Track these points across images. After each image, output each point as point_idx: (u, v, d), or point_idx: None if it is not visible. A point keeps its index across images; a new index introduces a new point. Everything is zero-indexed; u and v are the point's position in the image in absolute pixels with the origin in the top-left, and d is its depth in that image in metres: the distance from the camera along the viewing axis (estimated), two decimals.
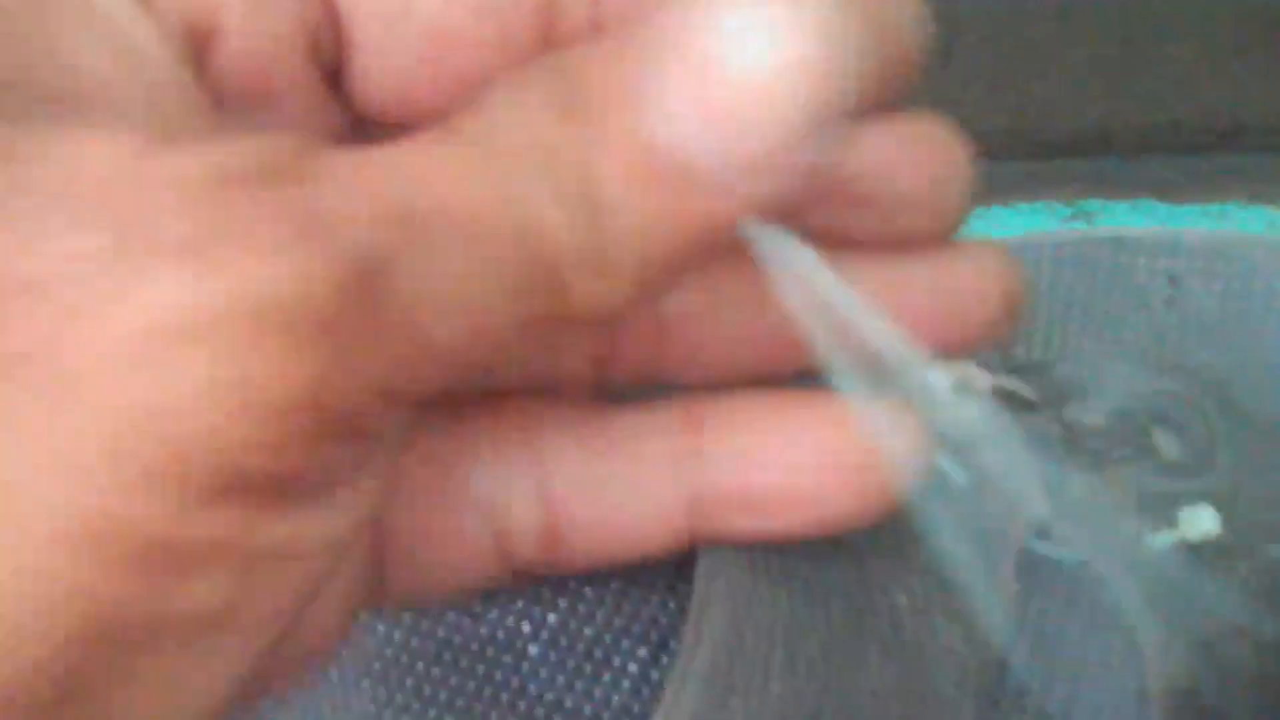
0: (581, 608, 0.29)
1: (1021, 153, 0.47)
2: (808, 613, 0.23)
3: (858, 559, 0.25)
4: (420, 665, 0.30)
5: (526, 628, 0.29)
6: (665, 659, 0.30)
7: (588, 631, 0.29)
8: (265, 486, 0.14)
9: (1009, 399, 0.29)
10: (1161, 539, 0.28)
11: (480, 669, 0.29)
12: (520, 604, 0.29)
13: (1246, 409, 0.30)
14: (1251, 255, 0.32)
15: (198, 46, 0.17)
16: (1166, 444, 0.29)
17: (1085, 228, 0.40)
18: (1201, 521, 0.28)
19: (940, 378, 0.30)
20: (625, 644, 0.28)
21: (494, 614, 0.29)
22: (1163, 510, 0.28)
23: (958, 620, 0.26)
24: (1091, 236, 0.33)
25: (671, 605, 0.28)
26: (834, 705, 0.23)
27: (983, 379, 0.29)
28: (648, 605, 0.26)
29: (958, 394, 0.30)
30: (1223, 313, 0.31)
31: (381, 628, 0.29)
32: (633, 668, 0.30)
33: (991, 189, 0.44)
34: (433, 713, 0.30)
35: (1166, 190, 0.43)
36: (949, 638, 0.25)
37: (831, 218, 0.20)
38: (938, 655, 0.25)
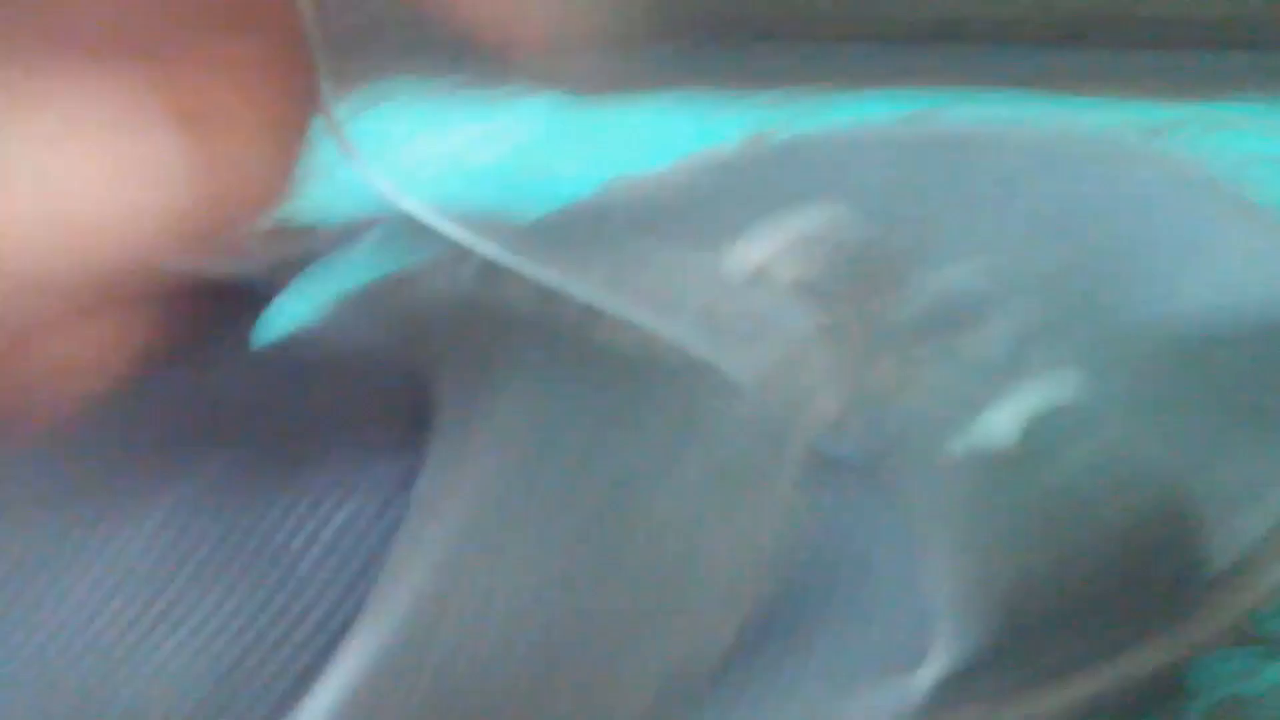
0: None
1: (873, 37, 0.45)
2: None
3: (619, 451, 0.23)
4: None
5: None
6: None
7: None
8: None
9: (810, 289, 0.27)
10: (957, 443, 0.27)
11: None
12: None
13: (1078, 305, 0.29)
14: (1083, 154, 0.31)
15: None
16: (974, 343, 0.28)
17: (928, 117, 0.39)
18: (1002, 427, 0.27)
19: (737, 265, 0.28)
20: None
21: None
22: (957, 414, 0.27)
23: (732, 525, 0.24)
24: (928, 129, 0.32)
25: None
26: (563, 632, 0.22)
27: (786, 267, 0.28)
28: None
29: (749, 282, 0.28)
30: (1061, 210, 0.30)
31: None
32: None
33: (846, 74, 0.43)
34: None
35: (1018, 84, 0.42)
36: (720, 545, 0.24)
37: None
38: (705, 569, 0.24)
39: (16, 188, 0.17)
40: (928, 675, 0.26)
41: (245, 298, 0.24)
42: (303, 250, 0.23)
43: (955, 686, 0.26)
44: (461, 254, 0.22)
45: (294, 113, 0.21)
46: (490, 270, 0.22)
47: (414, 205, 0.22)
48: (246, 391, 0.26)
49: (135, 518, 0.27)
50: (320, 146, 0.23)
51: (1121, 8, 0.44)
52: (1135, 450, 0.27)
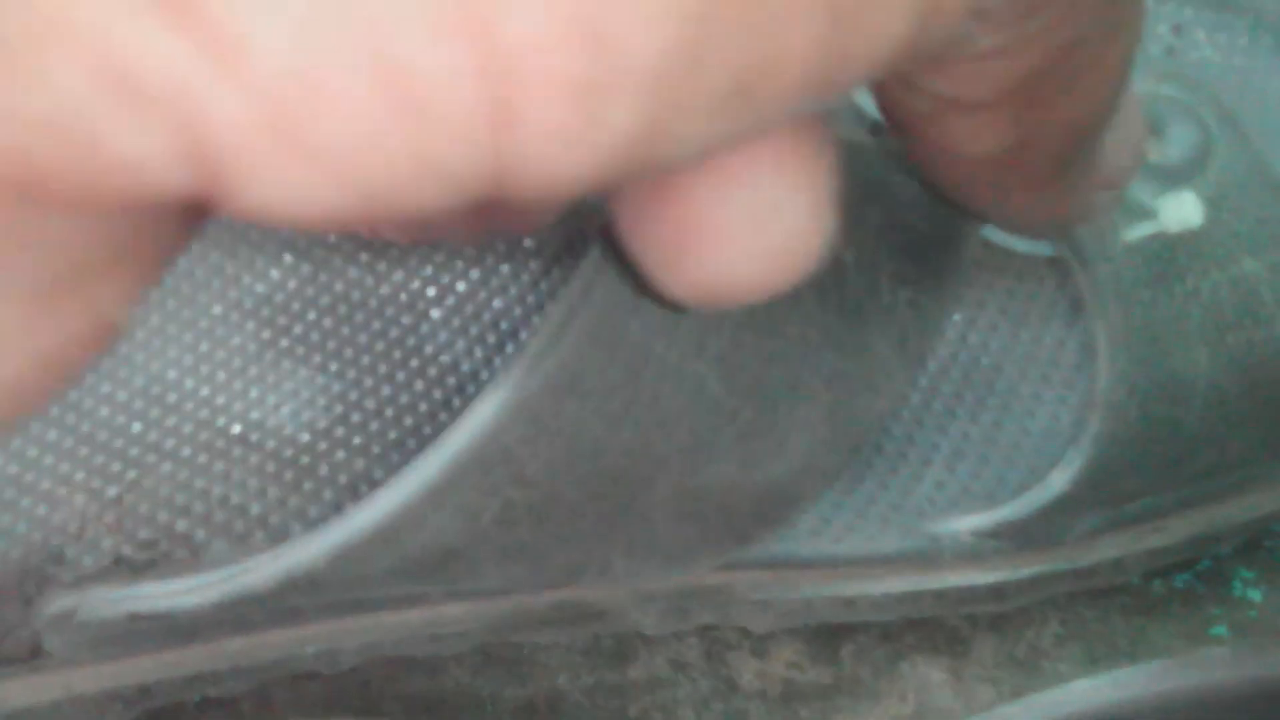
0: (494, 281, 0.26)
1: None
2: None
3: None
4: (312, 314, 0.28)
5: (431, 292, 0.27)
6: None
7: (497, 304, 0.26)
8: None
9: None
10: (1138, 230, 0.25)
11: (375, 325, 0.27)
12: (429, 270, 0.27)
13: (1244, 124, 0.27)
14: (1258, 5, 0.28)
15: None
16: (1154, 149, 0.26)
17: None
18: (1184, 209, 0.25)
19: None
20: (536, 320, 0.26)
21: (399, 275, 0.27)
22: (1141, 197, 0.25)
23: (905, 284, 0.23)
24: None
25: None
26: (752, 342, 0.21)
27: None
28: (565, 288, 0.24)
29: None
30: (1226, 65, 0.28)
31: (276, 273, 0.27)
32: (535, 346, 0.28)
33: None
34: (317, 359, 0.28)
35: None
36: (893, 298, 0.23)
37: None
38: (878, 314, 0.23)
39: None
40: (1060, 479, 0.26)
41: None
42: None
43: (1085, 497, 0.26)
44: None
45: None
46: None
47: None
48: None
49: (264, 260, 0.27)
50: None
51: None
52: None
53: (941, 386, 0.27)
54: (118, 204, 0.11)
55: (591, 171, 0.11)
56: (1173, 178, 0.26)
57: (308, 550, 0.23)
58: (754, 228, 0.15)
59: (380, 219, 0.11)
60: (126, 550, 0.25)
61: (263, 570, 0.24)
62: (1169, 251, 0.25)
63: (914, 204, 0.24)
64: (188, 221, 0.12)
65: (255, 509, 0.26)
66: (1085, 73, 0.15)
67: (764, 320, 0.22)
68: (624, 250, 0.16)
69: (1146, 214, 0.25)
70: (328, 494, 0.26)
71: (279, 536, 0.25)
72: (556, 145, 0.11)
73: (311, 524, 0.26)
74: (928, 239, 0.24)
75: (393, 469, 0.27)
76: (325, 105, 0.10)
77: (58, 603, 0.24)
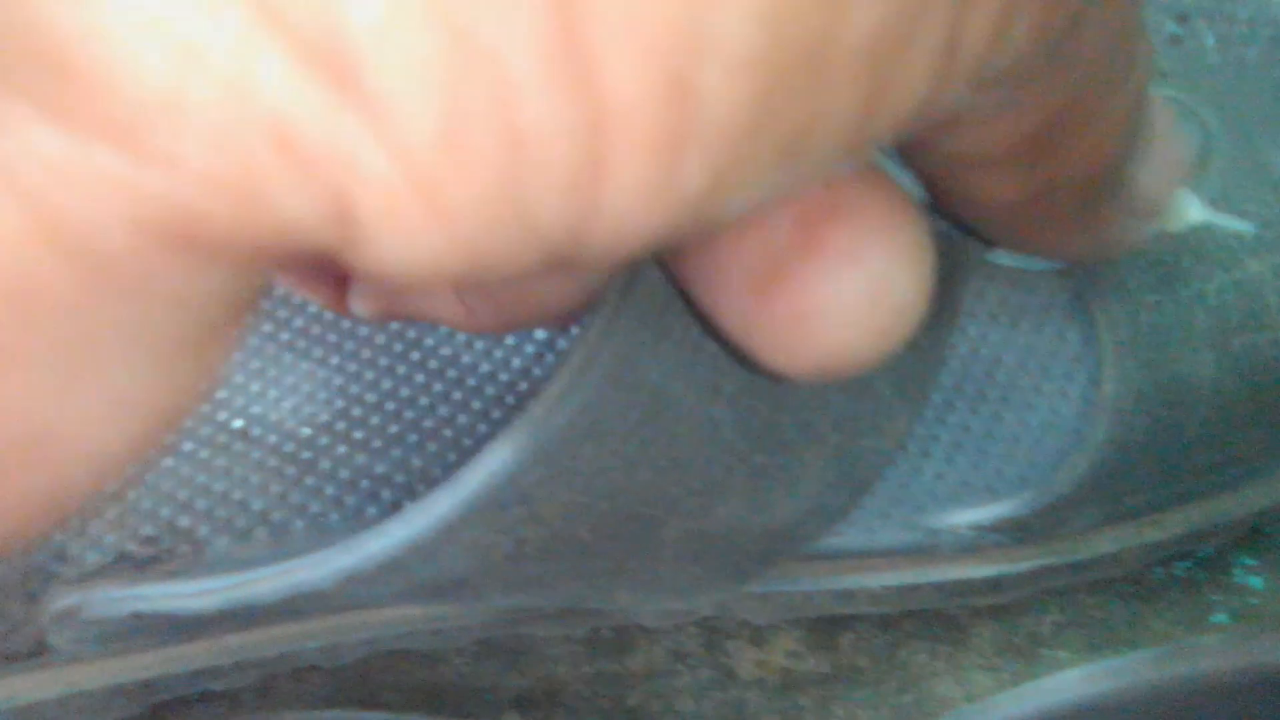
0: None
1: None
2: None
3: None
4: (312, 308, 0.28)
5: None
6: (575, 330, 0.28)
7: None
8: None
9: None
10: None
11: None
12: None
13: (1244, 125, 0.27)
14: None
15: None
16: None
17: None
18: (1184, 207, 0.25)
19: None
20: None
21: None
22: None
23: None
24: None
25: None
26: (765, 385, 0.21)
27: None
28: (584, 329, 0.24)
29: None
30: (1226, 56, 0.28)
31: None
32: (539, 334, 0.28)
33: None
34: (318, 352, 0.28)
35: None
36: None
37: None
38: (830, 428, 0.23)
39: None
40: (1064, 481, 0.26)
41: None
42: None
43: (1087, 497, 0.26)
44: None
45: None
46: None
47: None
48: None
49: None
50: None
51: None
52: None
53: (940, 379, 0.27)
54: (264, 257, 0.11)
55: (661, 226, 0.12)
56: None
57: (315, 572, 0.23)
58: (870, 305, 0.15)
59: (476, 278, 0.12)
60: (129, 546, 0.25)
61: (269, 583, 0.24)
62: (1173, 255, 0.25)
63: None
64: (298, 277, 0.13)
65: (257, 504, 0.26)
66: (1095, 120, 0.16)
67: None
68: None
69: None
70: (329, 489, 0.26)
71: (281, 532, 0.26)
72: (636, 199, 0.11)
73: (313, 520, 0.26)
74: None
75: (395, 464, 0.27)
76: (460, 168, 0.10)
77: (62, 600, 0.24)
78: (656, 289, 0.19)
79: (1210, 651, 0.22)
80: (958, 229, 0.18)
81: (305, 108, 0.10)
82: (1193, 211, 0.25)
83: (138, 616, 0.24)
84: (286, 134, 0.10)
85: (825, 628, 0.31)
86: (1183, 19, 0.29)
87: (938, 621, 0.31)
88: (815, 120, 0.11)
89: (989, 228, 0.18)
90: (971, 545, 0.27)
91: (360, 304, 0.21)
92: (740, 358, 0.16)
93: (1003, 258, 0.26)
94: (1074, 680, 0.22)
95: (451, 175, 0.11)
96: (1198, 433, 0.26)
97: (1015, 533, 0.27)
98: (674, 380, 0.20)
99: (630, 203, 0.11)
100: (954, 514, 0.27)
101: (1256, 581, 0.30)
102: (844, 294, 0.15)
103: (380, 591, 0.23)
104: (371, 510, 0.26)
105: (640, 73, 0.10)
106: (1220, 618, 0.30)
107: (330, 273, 0.21)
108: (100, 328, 0.11)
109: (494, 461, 0.21)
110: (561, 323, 0.21)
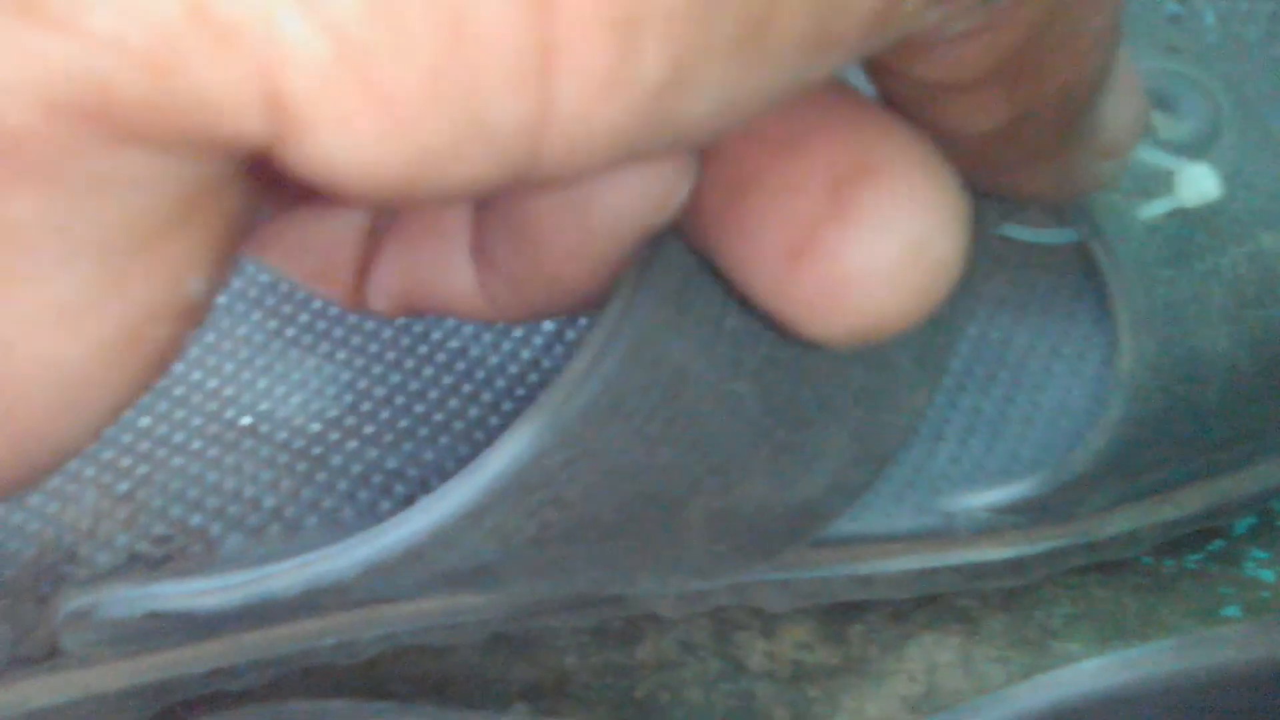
0: None
1: None
2: None
3: None
4: (317, 302, 0.28)
5: None
6: (583, 321, 0.28)
7: None
8: None
9: None
10: (1156, 208, 0.25)
11: None
12: None
13: (1252, 98, 0.27)
14: None
15: None
16: (1165, 125, 0.26)
17: None
18: (1201, 183, 0.25)
19: None
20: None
21: None
22: (1159, 181, 0.25)
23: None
24: None
25: None
26: (787, 360, 0.21)
27: None
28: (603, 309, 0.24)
29: None
30: (1226, 33, 0.28)
31: None
32: (548, 325, 0.28)
33: None
34: (325, 347, 0.28)
35: None
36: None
37: None
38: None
39: None
40: (1081, 459, 0.26)
41: None
42: None
43: (1104, 475, 0.26)
44: None
45: None
46: None
47: None
48: None
49: None
50: None
51: None
52: None
53: (951, 362, 0.27)
54: (194, 143, 0.11)
55: (623, 127, 0.11)
56: (1186, 153, 0.26)
57: (336, 563, 0.23)
58: (906, 268, 0.15)
59: (428, 192, 0.11)
60: (141, 546, 0.25)
61: (287, 577, 0.23)
62: (1188, 229, 0.26)
63: None
64: (252, 190, 0.12)
65: (269, 501, 0.25)
66: (1068, 44, 0.15)
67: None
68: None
69: (1164, 190, 0.25)
70: (342, 485, 0.26)
71: (294, 529, 0.25)
72: (591, 87, 0.11)
73: (327, 515, 0.25)
74: None
75: (406, 457, 0.26)
76: (395, 45, 0.10)
77: (74, 601, 0.24)
78: (675, 266, 0.19)
79: (1227, 642, 0.22)
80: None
81: None
82: (1209, 187, 0.25)
83: (153, 616, 0.24)
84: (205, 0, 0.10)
85: (835, 619, 0.31)
86: None
87: (949, 613, 0.31)
88: (768, 12, 0.11)
89: (958, 162, 0.18)
90: (988, 527, 0.27)
91: (377, 297, 0.21)
92: (773, 324, 0.16)
93: (1014, 230, 0.26)
94: (1089, 672, 0.22)
95: (387, 54, 0.10)
96: (1213, 407, 0.26)
97: (1031, 514, 0.27)
98: (695, 358, 0.20)
99: (586, 92, 0.10)
100: (969, 496, 0.27)
101: (1268, 574, 0.30)
102: (879, 259, 0.15)
103: (401, 582, 0.23)
104: (385, 505, 0.26)
105: None
106: (1232, 610, 0.30)
107: (342, 266, 0.21)
108: (25, 222, 0.11)
109: (517, 445, 0.21)
110: (584, 307, 0.20)
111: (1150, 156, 0.26)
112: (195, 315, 0.12)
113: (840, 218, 0.15)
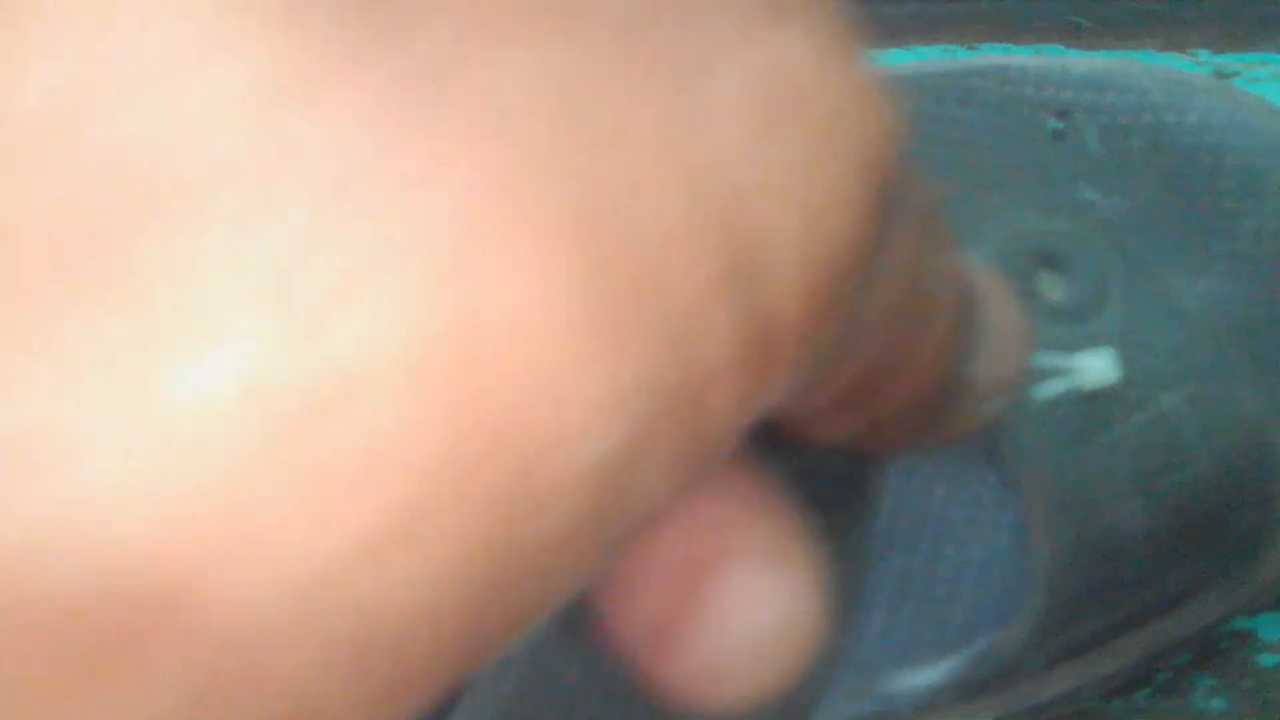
0: None
1: None
2: None
3: None
4: None
5: None
6: None
7: None
8: None
9: None
10: (1053, 388, 0.25)
11: None
12: None
13: (1137, 250, 0.27)
14: (1141, 85, 0.28)
15: None
16: (1053, 287, 0.26)
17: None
18: (1100, 367, 0.25)
19: None
20: None
21: None
22: (1053, 358, 0.25)
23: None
24: (976, 66, 0.28)
25: None
26: None
27: None
28: None
29: None
30: (1109, 147, 0.28)
31: None
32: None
33: (889, 30, 0.38)
34: None
35: (1073, 36, 0.38)
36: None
37: None
38: None
39: None
40: (1006, 639, 0.26)
41: None
42: None
43: (1039, 643, 0.26)
44: None
45: None
46: None
47: None
48: None
49: None
50: None
51: None
52: (1227, 397, 0.26)
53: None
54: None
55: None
56: (1077, 317, 0.26)
57: None
58: (770, 649, 0.15)
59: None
60: None
61: None
62: (1088, 402, 0.25)
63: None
64: None
65: None
66: (906, 364, 0.15)
67: None
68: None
69: (1060, 371, 0.25)
70: None
71: None
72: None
73: None
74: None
75: None
76: None
77: None
78: None
79: None
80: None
81: None
82: (1108, 371, 0.25)
83: None
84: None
85: None
86: (1063, 114, 0.28)
87: None
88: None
89: (836, 444, 0.18)
90: (930, 704, 0.26)
91: None
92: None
93: None
94: None
95: None
96: (1133, 575, 0.25)
97: (972, 686, 0.26)
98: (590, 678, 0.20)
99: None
100: (907, 675, 0.26)
101: (1219, 702, 0.29)
102: (741, 649, 0.15)
103: None
104: None
105: None
106: None
107: None
108: None
109: None
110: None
111: (1045, 358, 0.26)
112: None
113: (697, 611, 0.15)
